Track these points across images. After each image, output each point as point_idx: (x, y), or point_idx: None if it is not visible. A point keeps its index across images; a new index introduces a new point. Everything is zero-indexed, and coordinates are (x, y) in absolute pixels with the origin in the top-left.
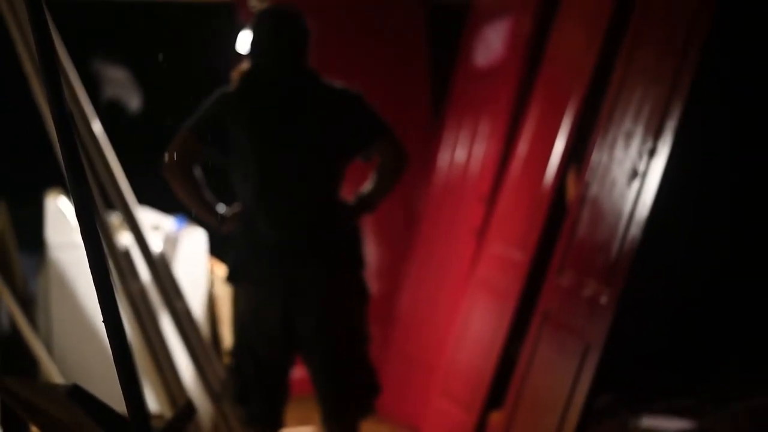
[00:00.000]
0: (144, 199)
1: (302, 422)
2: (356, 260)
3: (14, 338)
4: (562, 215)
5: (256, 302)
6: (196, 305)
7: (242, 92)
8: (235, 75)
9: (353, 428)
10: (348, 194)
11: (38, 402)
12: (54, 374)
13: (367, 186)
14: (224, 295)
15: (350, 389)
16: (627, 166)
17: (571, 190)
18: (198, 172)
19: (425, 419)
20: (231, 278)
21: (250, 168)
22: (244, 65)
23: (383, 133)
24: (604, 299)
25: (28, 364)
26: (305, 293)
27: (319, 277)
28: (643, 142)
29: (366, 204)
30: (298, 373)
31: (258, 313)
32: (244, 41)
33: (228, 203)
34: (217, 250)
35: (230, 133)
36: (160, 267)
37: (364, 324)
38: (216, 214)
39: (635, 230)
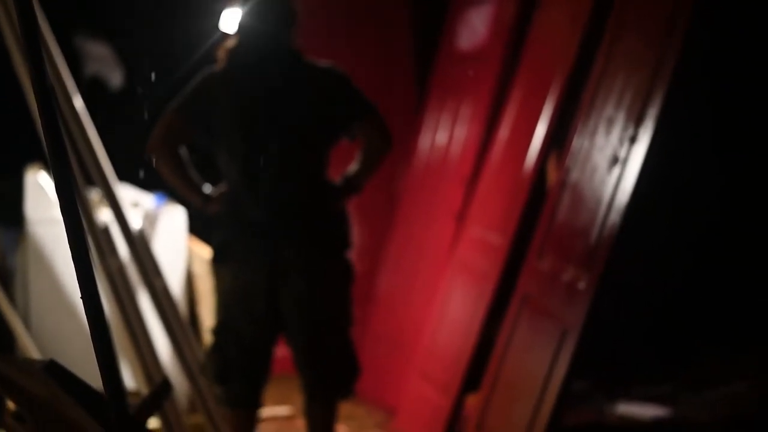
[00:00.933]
0: (124, 176)
1: (280, 401)
2: (341, 241)
3: None
4: (543, 200)
5: (240, 282)
6: (175, 283)
7: (228, 72)
8: (221, 53)
9: (332, 409)
10: (335, 175)
11: (14, 377)
12: (31, 349)
13: (352, 167)
14: (203, 273)
15: (331, 371)
16: (608, 153)
17: (552, 174)
18: (184, 152)
19: (402, 401)
20: (216, 258)
21: (236, 148)
22: (230, 43)
23: (368, 113)
24: (582, 284)
25: (5, 338)
26: (289, 274)
27: (303, 257)
28: (625, 128)
29: (351, 185)
30: (278, 351)
31: (242, 292)
32: (231, 19)
33: (214, 184)
34: (196, 228)
35: (216, 113)
36: (139, 244)
37: (348, 306)
38: (202, 194)
39: (615, 216)
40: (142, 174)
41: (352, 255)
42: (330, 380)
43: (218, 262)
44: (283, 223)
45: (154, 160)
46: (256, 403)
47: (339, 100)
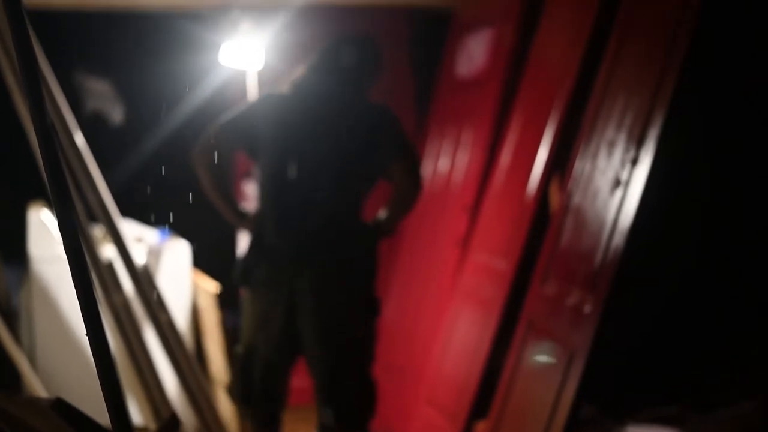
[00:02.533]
0: (127, 212)
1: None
2: (364, 280)
3: None
4: (546, 224)
5: (260, 308)
6: (180, 317)
7: (286, 97)
8: (286, 79)
9: None
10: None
11: (21, 415)
12: (37, 387)
13: (382, 211)
14: (208, 306)
15: (346, 408)
16: (610, 175)
17: (555, 198)
18: (227, 167)
19: (410, 429)
20: (238, 281)
21: (268, 172)
22: (299, 71)
23: (403, 156)
24: (588, 308)
25: (11, 377)
26: (306, 306)
27: (320, 292)
28: (626, 150)
29: (382, 229)
30: (297, 382)
31: (262, 319)
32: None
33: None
34: (200, 262)
35: (261, 133)
36: (144, 279)
37: (368, 341)
38: (235, 210)
39: (618, 239)
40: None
41: (374, 291)
42: (343, 418)
43: (240, 285)
44: (302, 255)
45: (195, 165)
46: (276, 427)
47: (380, 139)
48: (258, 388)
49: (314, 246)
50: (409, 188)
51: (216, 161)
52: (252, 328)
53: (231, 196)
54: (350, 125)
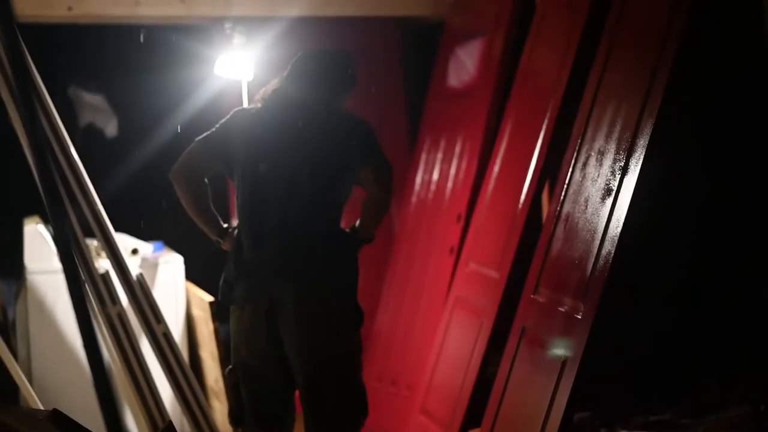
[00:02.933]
0: (121, 225)
1: None
2: (342, 288)
3: None
4: (538, 232)
5: (244, 323)
6: (175, 328)
7: (259, 111)
8: (259, 95)
9: None
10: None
11: (18, 427)
12: (34, 399)
13: (358, 220)
14: (203, 317)
15: (328, 415)
16: (600, 184)
17: (546, 207)
18: (206, 184)
19: None
20: (222, 298)
21: (242, 187)
22: (271, 86)
23: (372, 161)
24: (579, 315)
25: (8, 389)
26: (287, 317)
27: (299, 302)
28: (616, 159)
29: (357, 237)
30: None
31: (246, 334)
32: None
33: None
34: (194, 274)
35: (237, 149)
36: (139, 291)
37: (351, 352)
38: (217, 227)
39: (609, 246)
40: (141, 223)
41: (357, 304)
42: (324, 421)
43: (225, 303)
44: (279, 268)
45: (174, 183)
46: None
47: (350, 145)
48: (250, 406)
49: (291, 259)
50: (378, 194)
51: (194, 179)
52: (238, 345)
53: (211, 214)
54: (321, 135)
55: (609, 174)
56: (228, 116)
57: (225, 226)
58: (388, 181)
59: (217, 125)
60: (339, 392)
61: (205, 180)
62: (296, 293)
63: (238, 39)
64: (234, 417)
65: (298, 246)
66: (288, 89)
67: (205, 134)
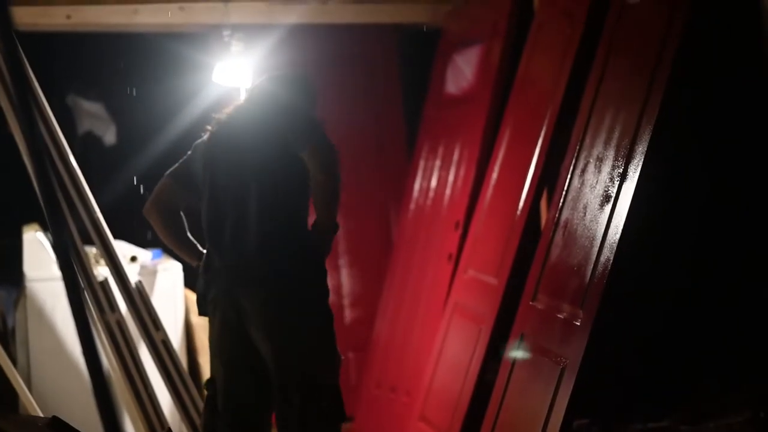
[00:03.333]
0: (120, 232)
1: None
2: (305, 289)
3: None
4: (536, 239)
5: (215, 331)
6: (174, 335)
7: (210, 136)
8: (214, 120)
9: None
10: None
11: None
12: (33, 407)
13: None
14: (201, 325)
15: (304, 416)
16: (599, 190)
17: (545, 214)
18: (180, 216)
19: None
20: (199, 311)
21: (204, 205)
22: (227, 111)
23: (313, 147)
24: (578, 322)
25: (7, 397)
26: (252, 322)
27: (262, 310)
28: (615, 166)
29: (320, 230)
30: None
31: (218, 341)
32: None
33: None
34: (192, 281)
35: (198, 176)
36: (137, 298)
37: (323, 350)
38: (195, 253)
39: (608, 253)
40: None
41: (323, 304)
42: (298, 425)
43: (201, 315)
44: (239, 275)
45: (148, 219)
46: None
47: (289, 137)
48: (223, 417)
49: (249, 267)
50: (321, 178)
51: (167, 213)
52: (213, 355)
53: (188, 243)
54: (261, 140)
55: (607, 180)
56: (192, 149)
57: (204, 251)
58: (331, 164)
59: (184, 157)
60: (307, 398)
61: (180, 212)
62: (257, 300)
63: (236, 46)
64: (204, 427)
65: (254, 254)
66: (243, 112)
67: (173, 168)
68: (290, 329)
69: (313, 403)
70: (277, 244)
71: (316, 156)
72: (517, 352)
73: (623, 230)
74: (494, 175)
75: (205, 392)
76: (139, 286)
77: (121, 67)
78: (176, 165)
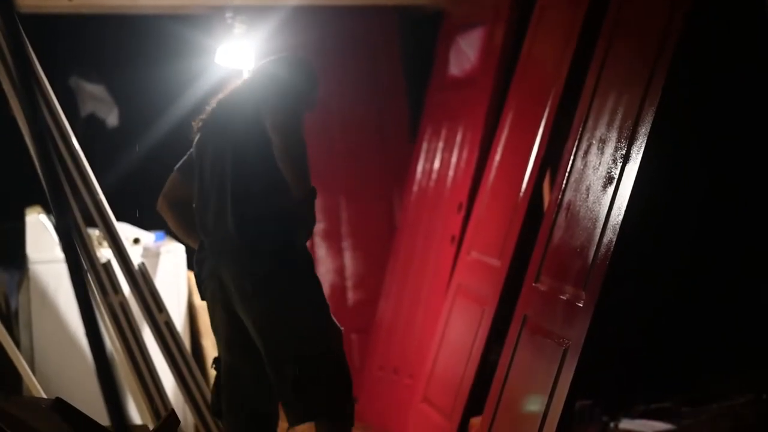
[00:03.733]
0: (123, 215)
1: None
2: (279, 261)
3: None
4: (539, 221)
5: (210, 310)
6: (177, 317)
7: (200, 126)
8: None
9: None
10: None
11: (22, 416)
12: (36, 389)
13: None
14: (204, 306)
15: (299, 387)
16: (602, 172)
17: (548, 196)
18: (190, 207)
19: (406, 426)
20: (200, 296)
21: (195, 189)
22: (216, 99)
23: (269, 110)
24: (581, 303)
25: (11, 379)
26: (234, 299)
27: (239, 281)
28: (617, 147)
29: (296, 201)
30: None
31: (213, 321)
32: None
33: None
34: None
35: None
36: (140, 280)
37: (305, 321)
38: None
39: (611, 234)
40: (141, 213)
41: (302, 278)
42: (292, 405)
43: (202, 299)
44: (222, 255)
45: (160, 213)
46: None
47: (256, 111)
48: (225, 397)
49: (229, 246)
50: (275, 140)
51: (176, 206)
52: (214, 336)
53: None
54: (246, 120)
55: (610, 162)
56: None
57: None
58: (284, 125)
59: (189, 151)
60: (298, 369)
61: (192, 204)
62: (234, 277)
63: (238, 28)
64: (213, 408)
65: (232, 233)
66: (229, 96)
67: (180, 161)
68: (268, 304)
69: (306, 374)
70: (252, 223)
71: (272, 118)
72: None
73: (626, 212)
74: (497, 157)
75: (214, 371)
76: (142, 268)
77: (123, 49)
78: (183, 158)
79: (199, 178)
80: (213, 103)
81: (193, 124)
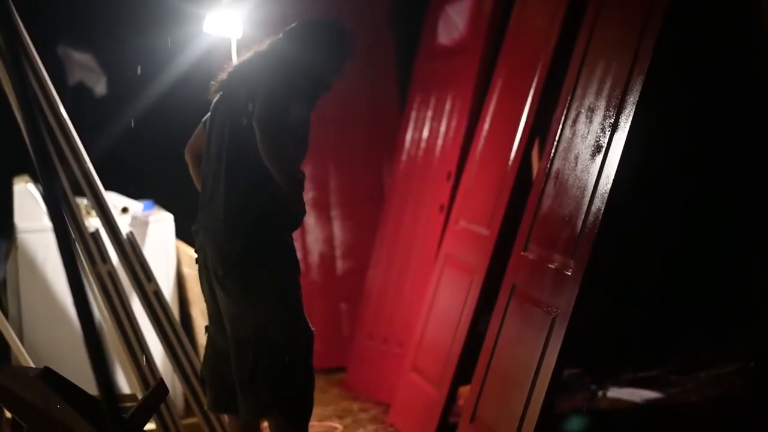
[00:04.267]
0: (111, 184)
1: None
2: (258, 250)
3: None
4: (528, 190)
5: (200, 285)
6: (165, 286)
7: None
8: (219, 77)
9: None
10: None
11: (10, 386)
12: (25, 358)
13: None
14: (193, 276)
15: (254, 373)
16: (590, 141)
17: (536, 164)
18: None
19: (396, 395)
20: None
21: (203, 162)
22: (227, 69)
23: (259, 106)
24: (569, 271)
25: None
26: (215, 286)
27: (217, 263)
28: (606, 116)
29: (282, 189)
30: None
31: (205, 299)
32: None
33: None
34: (184, 232)
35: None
36: (129, 249)
37: (275, 314)
38: None
39: (599, 203)
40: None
41: (280, 270)
42: (245, 401)
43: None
44: (208, 234)
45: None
46: (227, 409)
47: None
48: (207, 369)
49: (214, 228)
50: (258, 132)
51: (197, 157)
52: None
53: None
54: (241, 103)
55: (599, 131)
56: None
57: None
58: (265, 118)
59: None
60: (259, 357)
61: None
62: (213, 258)
63: None
64: (200, 376)
65: (220, 217)
66: (237, 68)
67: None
68: (237, 290)
69: (265, 364)
70: (237, 207)
71: (257, 109)
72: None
73: (614, 180)
74: (486, 126)
75: (205, 338)
76: (131, 237)
77: (111, 17)
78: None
79: (207, 146)
80: (229, 68)
81: (212, 83)
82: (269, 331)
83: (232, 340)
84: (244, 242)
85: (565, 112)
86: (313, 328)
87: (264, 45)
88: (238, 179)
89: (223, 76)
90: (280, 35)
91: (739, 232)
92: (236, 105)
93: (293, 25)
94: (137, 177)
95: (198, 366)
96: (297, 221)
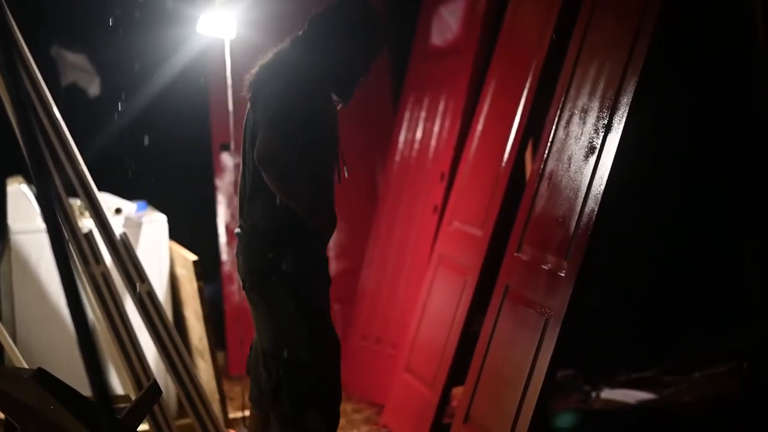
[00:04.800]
0: (105, 185)
1: None
2: (277, 264)
3: None
4: (521, 190)
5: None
6: (159, 287)
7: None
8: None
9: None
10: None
11: (4, 386)
12: (18, 359)
13: None
14: (186, 277)
15: (279, 387)
16: (584, 142)
17: (530, 165)
18: None
19: (389, 396)
20: None
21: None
22: (260, 62)
23: (262, 131)
24: (563, 273)
25: None
26: (248, 298)
27: (243, 275)
28: (599, 117)
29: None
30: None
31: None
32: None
33: None
34: (177, 233)
35: None
36: (122, 250)
37: (294, 329)
38: None
39: (593, 204)
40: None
41: (300, 284)
42: (275, 415)
43: None
44: (239, 241)
45: None
46: (264, 408)
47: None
48: (250, 366)
49: (242, 239)
50: (263, 173)
51: None
52: None
53: None
54: (263, 109)
55: (592, 132)
56: None
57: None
58: (267, 159)
59: None
60: (282, 370)
61: None
62: (240, 270)
63: None
64: (246, 370)
65: (247, 228)
66: (268, 63)
67: None
68: (261, 302)
69: (288, 377)
70: (258, 229)
71: (258, 141)
72: (502, 304)
73: (607, 181)
74: (479, 127)
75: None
76: (124, 238)
77: (105, 18)
78: None
79: (243, 152)
80: (255, 67)
81: (246, 78)
82: (289, 349)
83: (260, 351)
84: (263, 260)
85: (558, 112)
86: (337, 336)
87: (286, 42)
88: (256, 199)
89: (254, 71)
90: (305, 27)
91: (733, 232)
92: (255, 115)
93: (317, 12)
94: (130, 178)
95: (191, 367)
96: (325, 238)
